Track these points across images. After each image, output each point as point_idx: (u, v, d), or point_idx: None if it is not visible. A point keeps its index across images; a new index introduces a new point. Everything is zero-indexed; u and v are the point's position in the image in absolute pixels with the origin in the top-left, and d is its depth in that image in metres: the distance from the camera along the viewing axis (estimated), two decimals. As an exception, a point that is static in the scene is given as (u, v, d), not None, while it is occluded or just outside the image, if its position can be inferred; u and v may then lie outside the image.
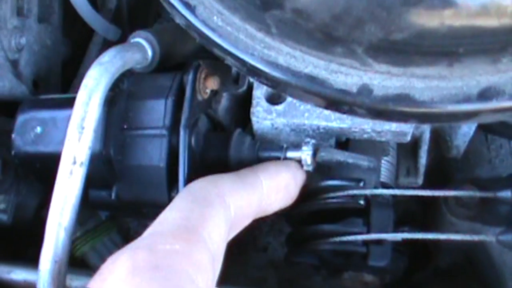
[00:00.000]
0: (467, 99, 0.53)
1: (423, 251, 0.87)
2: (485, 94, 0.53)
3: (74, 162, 0.61)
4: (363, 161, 0.69)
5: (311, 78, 0.55)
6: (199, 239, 0.55)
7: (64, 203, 0.61)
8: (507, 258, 0.79)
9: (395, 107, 0.54)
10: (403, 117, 0.56)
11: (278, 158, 0.69)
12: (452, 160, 0.83)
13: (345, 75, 0.55)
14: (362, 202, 0.69)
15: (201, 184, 0.62)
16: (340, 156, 0.68)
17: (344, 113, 0.57)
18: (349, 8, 0.51)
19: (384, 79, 0.54)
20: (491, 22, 0.50)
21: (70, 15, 0.85)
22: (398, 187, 0.78)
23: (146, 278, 0.50)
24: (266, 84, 0.59)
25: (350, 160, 0.69)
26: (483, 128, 0.83)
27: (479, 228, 0.78)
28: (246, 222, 0.64)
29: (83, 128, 0.61)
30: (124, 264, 0.51)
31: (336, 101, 0.55)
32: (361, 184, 0.69)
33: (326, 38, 0.54)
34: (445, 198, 0.80)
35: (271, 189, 0.65)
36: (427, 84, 0.54)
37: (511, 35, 0.51)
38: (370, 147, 0.73)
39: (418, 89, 0.54)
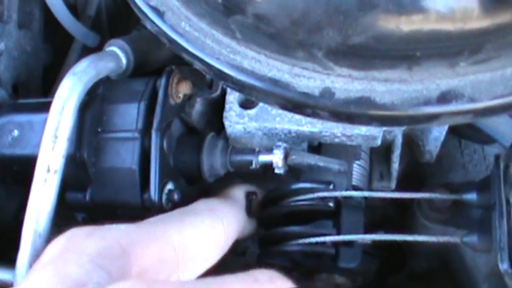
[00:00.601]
0: (427, 102, 0.54)
1: (398, 255, 0.89)
2: (445, 97, 0.54)
3: (48, 170, 0.63)
4: (334, 165, 0.71)
5: (275, 82, 0.57)
6: (161, 240, 0.58)
7: (39, 210, 0.63)
8: (479, 261, 0.80)
9: (357, 110, 0.55)
10: (365, 120, 0.57)
11: (250, 162, 0.70)
12: (425, 165, 0.84)
13: (308, 79, 0.56)
14: (331, 204, 0.70)
15: (196, 202, 0.68)
16: (311, 159, 0.70)
17: (308, 115, 0.58)
18: (307, 13, 0.52)
19: (345, 83, 0.56)
20: (446, 26, 0.51)
21: (51, 21, 0.86)
22: (371, 190, 0.80)
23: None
24: (233, 88, 0.60)
25: (321, 163, 0.70)
26: (456, 133, 0.85)
27: (452, 232, 0.79)
28: (234, 239, 0.69)
29: (56, 137, 0.63)
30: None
31: (299, 104, 0.57)
32: (331, 186, 0.71)
33: (287, 43, 0.55)
34: (419, 202, 0.81)
35: (243, 212, 0.72)
36: (388, 87, 0.55)
37: (466, 40, 0.52)
38: (342, 151, 0.75)
39: (379, 92, 0.55)
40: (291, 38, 0.54)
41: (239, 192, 0.74)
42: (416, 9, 0.50)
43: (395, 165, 0.79)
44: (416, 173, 0.87)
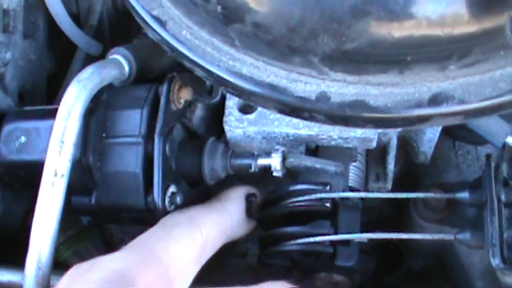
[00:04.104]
0: (419, 105, 0.57)
1: (395, 254, 0.91)
2: (435, 100, 0.56)
3: (56, 174, 0.65)
4: (330, 166, 0.73)
5: (273, 87, 0.59)
6: (152, 259, 0.62)
7: (47, 213, 0.65)
8: (474, 259, 0.82)
9: (352, 113, 0.58)
10: (359, 122, 0.59)
11: (249, 165, 0.73)
12: (420, 166, 0.86)
13: (304, 84, 0.59)
14: (328, 205, 0.72)
15: (172, 214, 0.70)
16: (308, 161, 0.72)
17: (305, 119, 0.60)
18: (303, 20, 0.55)
19: (340, 87, 0.58)
20: (435, 32, 0.54)
21: (55, 31, 0.88)
22: (367, 191, 0.82)
23: None
24: (233, 93, 0.63)
25: (318, 165, 0.72)
26: (450, 135, 0.87)
27: (448, 230, 0.81)
28: (218, 244, 0.71)
29: (63, 142, 0.65)
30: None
31: (296, 108, 0.59)
32: (328, 188, 0.73)
33: (285, 49, 0.58)
34: (415, 202, 0.83)
35: (236, 214, 0.74)
36: (381, 91, 0.58)
37: (455, 44, 0.55)
38: (339, 153, 0.77)
39: (372, 95, 0.57)
40: (288, 45, 0.57)
41: (234, 193, 0.76)
42: (406, 15, 0.53)
43: (391, 167, 0.82)
44: (411, 174, 0.89)
